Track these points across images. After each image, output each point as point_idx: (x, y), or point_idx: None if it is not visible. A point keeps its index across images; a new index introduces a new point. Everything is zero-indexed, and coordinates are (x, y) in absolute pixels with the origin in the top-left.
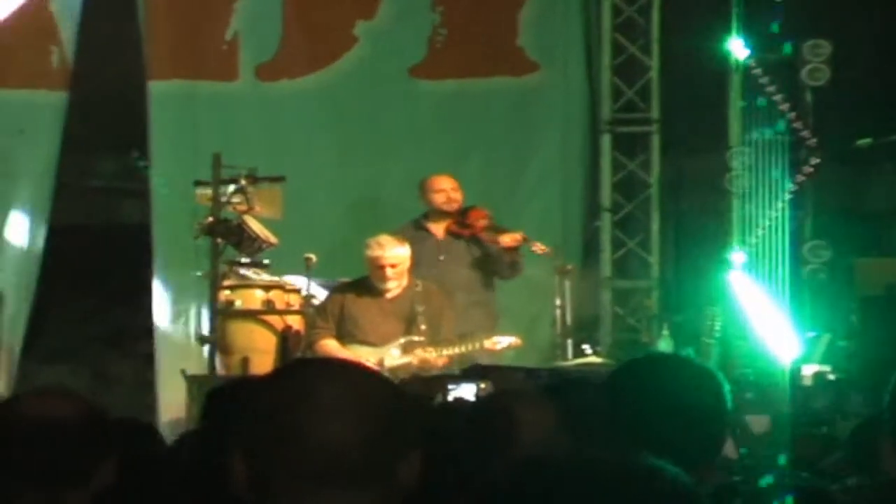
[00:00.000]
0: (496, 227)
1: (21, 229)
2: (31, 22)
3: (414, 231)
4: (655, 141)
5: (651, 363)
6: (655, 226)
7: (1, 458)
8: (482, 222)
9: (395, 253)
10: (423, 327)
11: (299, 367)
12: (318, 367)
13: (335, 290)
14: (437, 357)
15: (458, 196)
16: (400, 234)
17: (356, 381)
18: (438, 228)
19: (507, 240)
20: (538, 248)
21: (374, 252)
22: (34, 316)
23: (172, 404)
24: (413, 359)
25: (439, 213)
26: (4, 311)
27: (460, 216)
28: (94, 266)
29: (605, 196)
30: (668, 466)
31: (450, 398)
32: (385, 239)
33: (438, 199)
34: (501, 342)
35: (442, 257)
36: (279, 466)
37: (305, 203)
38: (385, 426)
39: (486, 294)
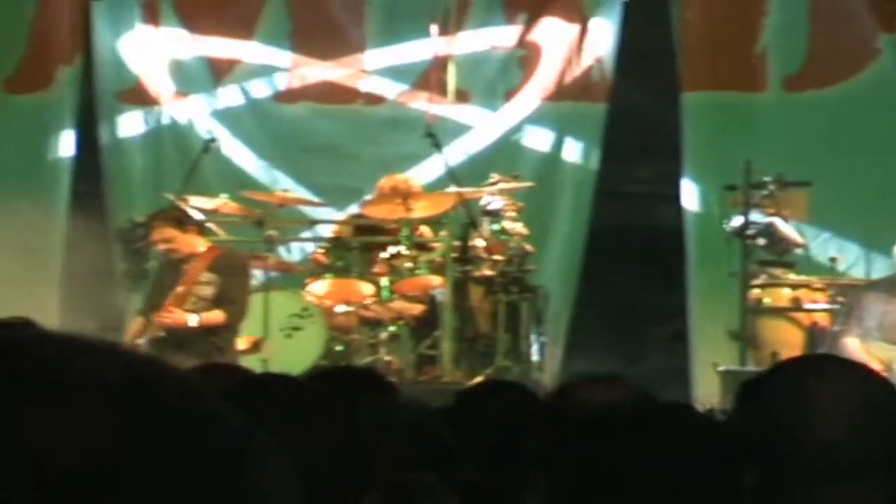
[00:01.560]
0: None
1: (564, 232)
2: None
3: None
4: None
5: None
6: None
7: (554, 446)
8: None
9: None
10: None
11: (796, 366)
12: (814, 366)
13: (862, 289)
14: None
15: None
16: None
17: (851, 377)
18: None
19: None
20: None
21: None
22: (575, 311)
23: (706, 397)
24: None
25: None
26: (550, 307)
27: None
28: (632, 265)
29: None
30: None
31: None
32: None
33: None
34: None
35: None
36: (780, 463)
37: (831, 208)
38: (882, 422)
39: None
